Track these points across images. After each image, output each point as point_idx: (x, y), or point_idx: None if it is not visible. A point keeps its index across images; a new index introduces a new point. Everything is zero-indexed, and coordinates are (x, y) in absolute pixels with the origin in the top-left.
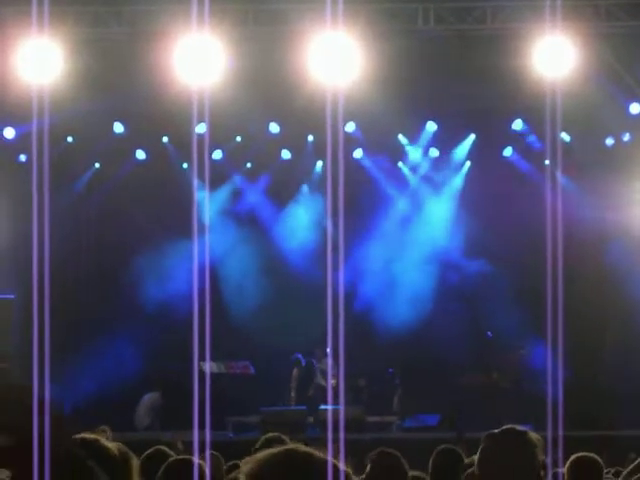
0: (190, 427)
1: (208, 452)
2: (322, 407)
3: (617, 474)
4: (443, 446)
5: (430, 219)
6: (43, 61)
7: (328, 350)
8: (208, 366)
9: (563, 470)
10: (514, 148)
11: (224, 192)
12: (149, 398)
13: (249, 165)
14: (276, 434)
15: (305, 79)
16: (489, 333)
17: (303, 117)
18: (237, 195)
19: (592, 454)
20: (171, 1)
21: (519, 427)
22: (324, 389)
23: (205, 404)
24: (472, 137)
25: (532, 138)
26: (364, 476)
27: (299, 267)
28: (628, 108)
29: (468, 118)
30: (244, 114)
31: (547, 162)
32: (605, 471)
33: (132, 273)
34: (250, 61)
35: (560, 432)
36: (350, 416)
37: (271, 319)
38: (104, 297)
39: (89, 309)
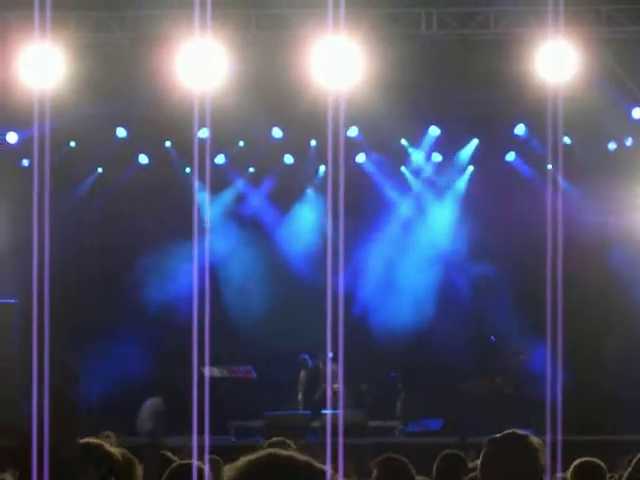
0: (189, 432)
1: (207, 456)
2: (325, 412)
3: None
4: (447, 451)
5: (433, 223)
6: (45, 66)
7: (329, 355)
8: (207, 370)
9: (565, 475)
10: (517, 153)
11: (227, 197)
12: (151, 403)
13: (252, 170)
14: (280, 438)
15: (308, 84)
16: (492, 337)
17: (306, 122)
18: (240, 200)
19: (595, 459)
20: (173, 6)
21: (520, 431)
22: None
23: (199, 409)
24: (475, 142)
25: (535, 143)
26: None
27: (301, 271)
28: (630, 113)
29: (471, 123)
30: (247, 119)
31: (549, 167)
32: (608, 476)
33: (135, 277)
34: (253, 66)
35: (561, 437)
36: (352, 421)
37: (273, 323)
38: (107, 301)
39: (91, 313)
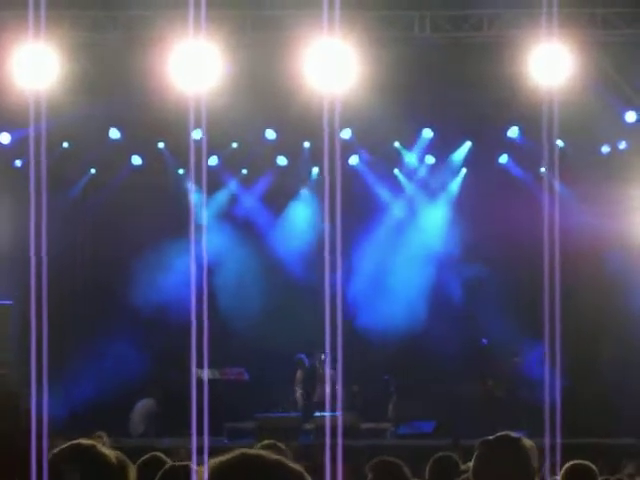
0: (184, 434)
1: (206, 457)
2: (317, 414)
3: None
4: (440, 453)
5: (426, 225)
6: (39, 66)
7: (323, 357)
8: (200, 372)
9: (558, 478)
10: (510, 155)
11: (220, 198)
12: (143, 405)
13: (245, 171)
14: (272, 441)
15: (301, 85)
16: (484, 340)
17: (299, 124)
18: (233, 201)
19: (587, 462)
20: (168, 7)
21: (513, 434)
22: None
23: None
24: (468, 144)
25: (528, 145)
26: None
27: (295, 273)
28: (624, 116)
29: (464, 125)
30: (240, 120)
31: (543, 170)
32: (602, 479)
33: (128, 278)
34: (247, 67)
35: (554, 440)
36: (344, 422)
37: (266, 325)
38: (100, 302)
39: (84, 314)
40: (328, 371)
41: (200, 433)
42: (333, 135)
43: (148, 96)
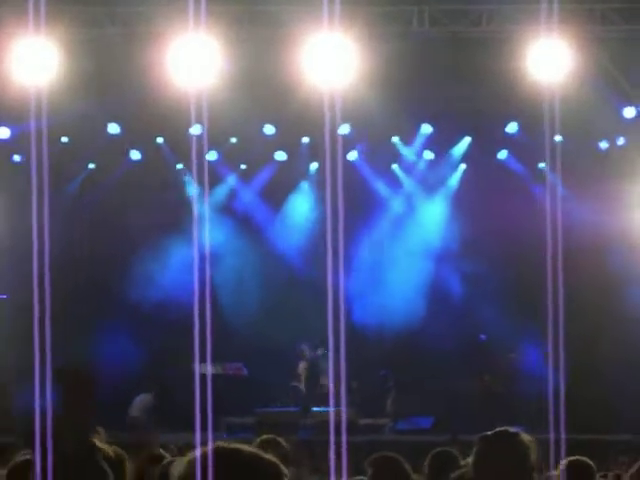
0: (181, 429)
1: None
2: (316, 409)
3: (615, 477)
4: (439, 448)
5: (424, 221)
6: (38, 61)
7: (319, 351)
8: (208, 369)
9: (554, 472)
10: (509, 151)
11: (219, 193)
12: (141, 400)
13: (244, 166)
14: (271, 436)
15: (300, 81)
16: (483, 336)
17: (298, 119)
18: (232, 196)
19: (585, 458)
20: (166, 2)
21: (512, 429)
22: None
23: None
24: (467, 140)
25: (527, 141)
26: None
27: (294, 269)
28: (622, 112)
29: (463, 120)
30: (239, 115)
31: (541, 165)
32: (601, 474)
33: (126, 273)
34: (246, 62)
35: (553, 436)
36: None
37: (265, 320)
38: (98, 298)
39: (82, 309)
40: (331, 365)
41: (204, 428)
42: (333, 130)
43: (147, 91)
